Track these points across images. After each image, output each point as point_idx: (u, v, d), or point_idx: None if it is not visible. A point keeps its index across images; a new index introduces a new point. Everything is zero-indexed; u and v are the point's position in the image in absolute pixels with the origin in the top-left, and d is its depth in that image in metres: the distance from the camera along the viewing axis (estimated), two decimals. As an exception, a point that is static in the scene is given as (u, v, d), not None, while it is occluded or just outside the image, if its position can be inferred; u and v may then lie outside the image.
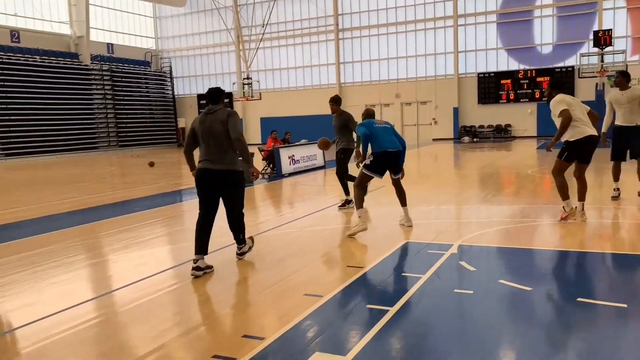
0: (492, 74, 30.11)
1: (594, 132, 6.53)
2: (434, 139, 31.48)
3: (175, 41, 39.35)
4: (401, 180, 6.94)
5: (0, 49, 28.17)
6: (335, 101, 8.72)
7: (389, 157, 6.65)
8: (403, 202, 6.92)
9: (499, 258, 5.57)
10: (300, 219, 8.00)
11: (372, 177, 6.74)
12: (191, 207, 9.80)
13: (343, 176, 8.62)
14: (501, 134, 30.10)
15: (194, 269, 5.03)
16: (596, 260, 5.37)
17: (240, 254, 5.58)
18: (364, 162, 6.69)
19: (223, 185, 5.22)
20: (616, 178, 8.22)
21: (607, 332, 3.57)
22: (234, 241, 5.60)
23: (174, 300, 4.59)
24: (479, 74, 30.52)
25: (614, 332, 3.58)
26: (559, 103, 6.43)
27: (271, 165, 14.98)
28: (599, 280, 4.84)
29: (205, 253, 5.21)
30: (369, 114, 7.21)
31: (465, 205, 8.86)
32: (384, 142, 6.63)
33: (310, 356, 3.27)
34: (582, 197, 6.79)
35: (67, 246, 6.88)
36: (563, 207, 6.66)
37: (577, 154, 6.58)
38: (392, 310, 3.97)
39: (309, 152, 15.97)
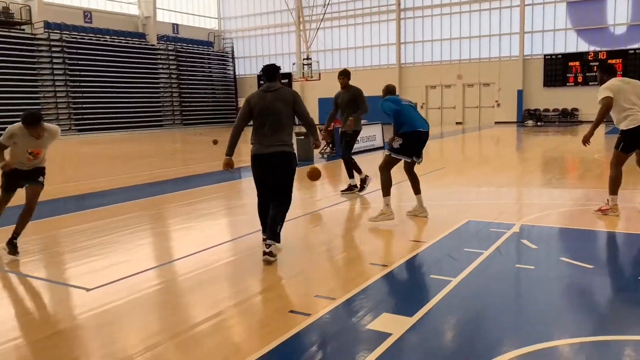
0: (560, 56, 29.06)
1: None
2: (496, 122, 30.82)
3: (237, 21, 40.04)
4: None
5: (73, 28, 29.61)
6: (346, 75, 8.29)
7: (420, 138, 6.16)
8: (417, 190, 6.42)
9: (560, 238, 5.63)
10: (363, 196, 8.24)
11: (400, 160, 6.22)
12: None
13: (350, 159, 8.27)
14: (567, 119, 29.11)
15: (266, 253, 4.74)
16: (663, 244, 5.35)
17: (270, 254, 4.76)
18: (391, 146, 6.16)
19: (275, 167, 4.94)
20: None
21: (670, 309, 3.65)
22: (264, 236, 5.02)
23: (249, 264, 4.96)
24: (545, 55, 29.53)
25: (677, 309, 3.66)
26: (604, 90, 6.11)
27: (330, 145, 15.25)
28: (664, 262, 4.85)
29: None
30: (389, 90, 6.64)
31: (528, 188, 8.84)
32: (415, 121, 6.14)
33: (379, 315, 3.54)
34: None
35: (146, 214, 7.43)
36: (607, 199, 6.24)
37: (635, 143, 6.16)
38: (455, 280, 4.17)
39: (368, 133, 16.12)
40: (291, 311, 3.71)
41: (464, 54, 31.97)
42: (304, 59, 32.42)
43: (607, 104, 6.02)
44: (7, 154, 5.18)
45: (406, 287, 4.13)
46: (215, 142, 20.06)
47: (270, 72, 5.06)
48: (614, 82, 6.15)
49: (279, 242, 4.96)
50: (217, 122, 37.62)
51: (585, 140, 6.29)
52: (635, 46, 27.32)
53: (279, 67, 5.24)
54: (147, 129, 32.35)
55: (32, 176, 5.27)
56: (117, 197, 8.86)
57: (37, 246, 5.72)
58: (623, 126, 6.12)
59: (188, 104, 36.02)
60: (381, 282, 4.22)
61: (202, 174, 11.71)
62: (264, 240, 4.90)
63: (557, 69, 29.23)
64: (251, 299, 4.03)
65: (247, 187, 10.36)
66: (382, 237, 5.76)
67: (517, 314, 3.62)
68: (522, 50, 30.18)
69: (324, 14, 33.03)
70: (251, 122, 5.11)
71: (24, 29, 27.48)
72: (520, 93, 30.41)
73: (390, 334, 3.26)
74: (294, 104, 4.98)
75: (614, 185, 6.20)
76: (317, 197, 8.63)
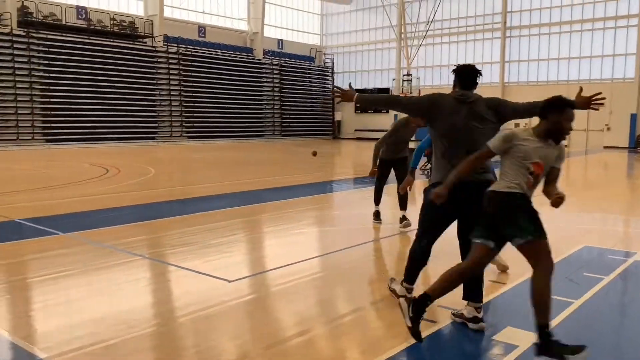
0: (681, 79, 27.11)
1: None
2: (605, 147, 29.24)
3: (338, 37, 41.01)
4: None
5: (189, 42, 31.77)
6: None
7: None
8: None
9: (688, 270, 5.46)
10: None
11: None
12: (362, 193, 10.60)
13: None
14: (686, 146, 27.06)
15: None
16: None
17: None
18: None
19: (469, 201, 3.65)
20: None
21: None
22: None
23: (366, 271, 5.28)
24: (665, 75, 27.70)
25: None
26: None
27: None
28: None
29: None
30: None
31: (646, 217, 8.50)
32: None
33: (503, 329, 3.72)
34: None
35: (266, 217, 8.01)
36: None
37: None
38: (577, 302, 4.24)
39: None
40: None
41: (572, 74, 30.68)
42: (404, 75, 32.62)
43: None
44: None
45: (527, 305, 4.25)
46: (314, 153, 20.74)
47: (469, 76, 3.96)
48: None
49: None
50: (314, 134, 38.66)
51: None
52: None
53: (479, 70, 4.05)
54: (249, 139, 33.89)
55: None
56: (233, 200, 9.55)
57: (176, 240, 6.39)
58: None
59: (288, 116, 37.33)
60: (502, 299, 4.38)
61: (312, 183, 12.25)
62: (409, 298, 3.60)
63: (677, 93, 27.28)
64: (375, 304, 4.33)
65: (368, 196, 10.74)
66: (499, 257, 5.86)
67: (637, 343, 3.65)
68: (638, 73, 28.49)
69: (427, 30, 33.08)
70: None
71: (145, 42, 29.90)
72: (634, 117, 28.66)
73: (516, 346, 3.44)
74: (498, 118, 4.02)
75: None
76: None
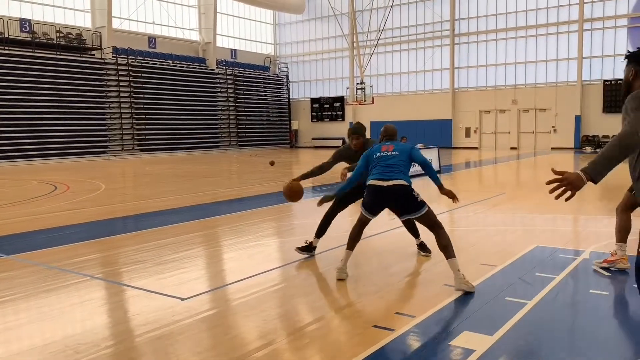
0: (620, 82, 28.34)
1: None
2: (552, 148, 30.28)
3: (292, 47, 41.12)
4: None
5: (139, 53, 31.19)
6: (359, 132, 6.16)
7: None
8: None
9: (632, 265, 5.65)
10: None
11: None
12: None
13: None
14: (628, 145, 28.26)
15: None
16: None
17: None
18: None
19: None
20: None
21: None
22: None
23: (325, 282, 5.24)
24: (605, 81, 28.94)
25: None
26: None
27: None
28: None
29: None
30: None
31: (593, 215, 8.80)
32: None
33: (460, 333, 3.74)
34: None
35: (222, 230, 7.86)
36: (615, 250, 5.35)
37: None
38: (531, 303, 4.32)
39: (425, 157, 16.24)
40: (375, 326, 3.95)
41: (519, 79, 31.71)
42: (357, 84, 32.96)
43: None
44: None
45: (483, 308, 4.29)
46: (272, 163, 20.61)
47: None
48: None
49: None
50: (271, 144, 38.56)
51: None
52: (702, 72, 26.40)
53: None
54: (205, 150, 33.47)
55: None
56: (190, 214, 9.36)
57: (128, 258, 6.19)
58: None
59: (244, 126, 37.09)
60: (457, 303, 4.41)
61: (268, 194, 12.15)
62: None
63: (617, 95, 28.52)
64: (335, 313, 4.30)
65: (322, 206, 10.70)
66: (489, 242, 5.92)
67: (595, 338, 3.74)
68: (580, 76, 29.68)
69: (378, 39, 33.55)
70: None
71: (94, 54, 29.16)
72: (578, 119, 29.82)
73: (473, 350, 3.46)
74: None
75: (622, 233, 5.30)
76: (392, 216, 8.84)
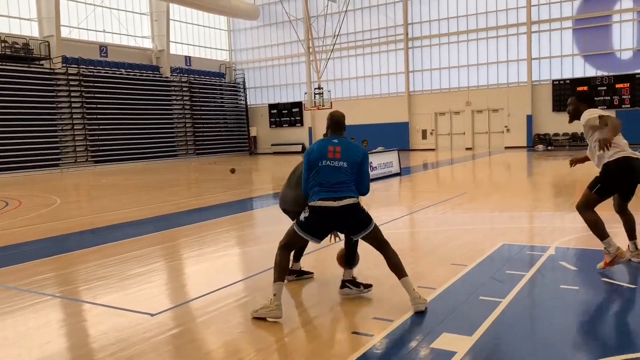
0: (568, 81, 29.44)
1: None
2: (506, 147, 31.08)
3: (248, 53, 40.85)
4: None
5: (90, 63, 30.33)
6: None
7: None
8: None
9: (597, 259, 5.80)
10: (393, 221, 8.44)
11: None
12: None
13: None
14: (577, 142, 29.33)
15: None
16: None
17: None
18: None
19: None
20: None
21: None
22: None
23: (299, 289, 5.15)
24: (553, 81, 29.93)
25: None
26: (597, 113, 4.98)
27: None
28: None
29: None
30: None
31: (554, 211, 9.02)
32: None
33: (439, 335, 3.72)
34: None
35: (195, 240, 7.66)
36: (605, 248, 5.08)
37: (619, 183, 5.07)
38: (505, 301, 4.35)
39: (385, 160, 16.39)
40: (354, 332, 3.90)
41: (472, 81, 32.43)
42: (315, 89, 33.00)
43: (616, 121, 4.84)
44: None
45: (459, 309, 4.30)
46: (232, 171, 20.39)
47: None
48: (599, 110, 5.16)
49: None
50: (229, 151, 38.14)
51: (605, 145, 4.71)
52: (642, 70, 27.70)
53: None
54: (162, 159, 32.80)
55: None
56: (159, 224, 9.09)
57: (90, 274, 5.93)
58: (607, 157, 4.98)
59: (201, 134, 36.57)
60: (433, 304, 4.40)
61: (233, 201, 11.96)
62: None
63: (565, 94, 29.53)
64: (312, 321, 4.21)
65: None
66: (423, 262, 5.94)
67: (570, 333, 3.79)
68: (530, 77, 30.60)
69: (334, 44, 33.72)
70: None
71: (42, 64, 28.17)
72: (529, 118, 30.72)
73: (455, 352, 3.44)
74: None
75: (599, 228, 5.09)
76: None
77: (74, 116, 28.76)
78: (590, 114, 5.00)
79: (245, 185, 16.14)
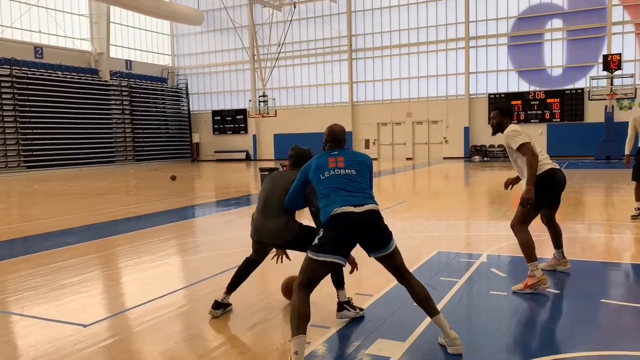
0: (503, 95, 30.75)
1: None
2: (444, 158, 32.06)
3: (191, 58, 40.31)
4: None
5: (24, 64, 29.07)
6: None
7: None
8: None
9: (525, 266, 6.10)
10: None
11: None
12: (224, 216, 10.38)
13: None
14: (511, 154, 30.60)
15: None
16: (619, 268, 5.89)
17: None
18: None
19: None
20: (638, 198, 8.65)
21: (634, 330, 4.11)
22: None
23: (238, 298, 5.14)
24: (489, 94, 31.18)
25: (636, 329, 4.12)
26: (518, 134, 5.03)
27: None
28: (622, 284, 5.36)
29: None
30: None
31: (487, 220, 9.40)
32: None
33: (374, 342, 3.82)
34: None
35: (132, 249, 7.47)
36: (532, 271, 5.04)
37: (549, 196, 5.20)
38: (438, 307, 4.50)
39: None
40: (291, 340, 3.93)
41: (412, 93, 33.31)
42: (259, 96, 32.96)
43: (533, 150, 4.96)
44: None
45: (394, 315, 4.42)
46: (173, 178, 20.03)
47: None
48: (521, 127, 5.23)
49: None
50: (170, 158, 37.40)
51: (526, 203, 4.96)
52: (571, 86, 29.31)
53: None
54: (100, 165, 31.77)
55: None
56: (95, 232, 8.81)
57: (20, 284, 5.69)
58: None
59: (141, 140, 35.69)
60: (369, 311, 4.50)
61: (170, 210, 11.74)
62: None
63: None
64: (248, 331, 4.22)
65: (231, 218, 10.48)
66: (362, 269, 6.04)
67: (500, 334, 3.98)
68: (468, 90, 31.76)
69: (279, 53, 33.82)
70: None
71: (-29, 64, 26.79)
72: (467, 130, 31.84)
73: (388, 358, 3.54)
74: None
75: (530, 250, 5.10)
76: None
77: (5, 119, 27.46)
78: (514, 132, 5.05)
79: (186, 193, 15.88)
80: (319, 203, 3.86)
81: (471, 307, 4.69)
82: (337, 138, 4.21)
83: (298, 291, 3.62)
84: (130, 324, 4.42)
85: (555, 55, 29.87)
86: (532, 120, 29.87)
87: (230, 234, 8.50)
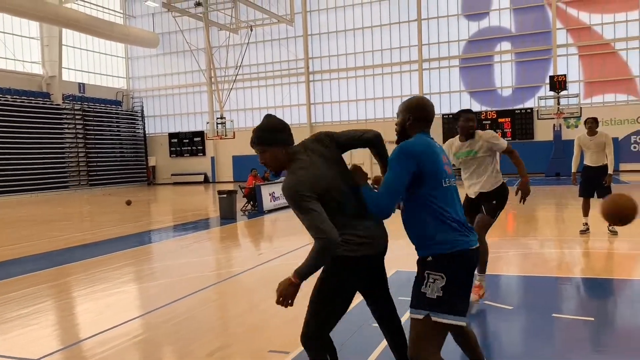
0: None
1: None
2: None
3: (147, 81, 39.86)
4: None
5: (-30, 88, 28.14)
6: None
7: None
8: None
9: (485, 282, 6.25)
10: (293, 252, 8.54)
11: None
12: (182, 241, 10.23)
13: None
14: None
15: None
16: (569, 282, 6.10)
17: None
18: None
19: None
20: (586, 213, 9.00)
21: (583, 342, 4.26)
22: None
23: (193, 326, 5.06)
24: (443, 115, 31.96)
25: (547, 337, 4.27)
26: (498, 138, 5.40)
27: (252, 202, 15.50)
28: (573, 298, 5.55)
29: None
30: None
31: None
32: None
33: (334, 364, 3.82)
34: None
35: (86, 277, 7.25)
36: (481, 282, 5.25)
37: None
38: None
39: (287, 190, 16.56)
40: (251, 366, 3.91)
41: (369, 114, 33.84)
42: (217, 118, 32.80)
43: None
44: None
45: (353, 337, 4.44)
46: (128, 202, 19.62)
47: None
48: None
49: None
50: (127, 182, 36.63)
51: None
52: (521, 106, 30.40)
53: None
54: (53, 191, 30.79)
55: None
56: (47, 261, 8.51)
57: (-36, 319, 5.45)
58: (499, 180, 5.36)
59: (95, 164, 34.87)
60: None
61: (129, 235, 11.48)
62: None
63: (454, 127, 31.55)
64: (207, 358, 4.16)
65: (189, 242, 10.31)
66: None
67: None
68: (423, 110, 32.43)
69: (236, 75, 33.86)
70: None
71: None
72: (423, 149, 32.43)
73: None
74: None
75: (485, 260, 5.26)
76: (260, 250, 8.79)
77: (-51, 145, 26.40)
78: (496, 135, 5.32)
79: (142, 218, 15.58)
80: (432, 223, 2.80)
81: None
82: (430, 118, 3.01)
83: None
84: (84, 355, 4.29)
85: (505, 76, 30.97)
86: (485, 139, 30.68)
87: (188, 259, 8.38)
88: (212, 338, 4.64)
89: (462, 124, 5.35)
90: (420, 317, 2.71)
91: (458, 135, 5.50)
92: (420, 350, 2.72)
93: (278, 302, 2.80)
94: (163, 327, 4.95)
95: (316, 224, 2.70)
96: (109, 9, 37.12)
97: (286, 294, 2.79)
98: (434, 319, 2.68)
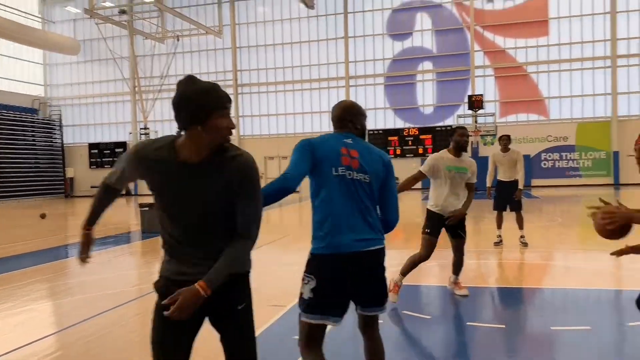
0: (381, 131, 32.46)
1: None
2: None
3: (66, 89, 38.14)
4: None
5: None
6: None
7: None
8: None
9: (407, 294, 6.44)
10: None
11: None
12: (101, 256, 9.84)
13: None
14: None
15: None
16: (484, 292, 6.42)
17: None
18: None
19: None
20: (499, 226, 9.52)
21: (497, 348, 4.49)
22: None
23: (113, 341, 4.89)
24: (368, 130, 32.72)
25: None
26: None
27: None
28: (487, 307, 5.84)
29: None
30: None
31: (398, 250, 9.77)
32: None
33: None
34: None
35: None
36: (397, 282, 5.90)
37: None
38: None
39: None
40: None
41: (298, 128, 34.11)
42: (141, 128, 31.89)
43: None
44: None
45: (280, 349, 4.45)
46: (43, 216, 18.63)
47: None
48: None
49: None
50: (41, 194, 34.71)
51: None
52: (441, 124, 31.72)
53: None
54: (-45, 204, 28.66)
55: None
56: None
57: None
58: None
59: (6, 175, 32.80)
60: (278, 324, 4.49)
61: (39, 250, 10.87)
62: None
63: (379, 143, 32.41)
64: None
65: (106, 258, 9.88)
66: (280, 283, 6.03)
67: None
68: (350, 126, 33.10)
69: (162, 85, 33.13)
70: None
71: None
72: (350, 164, 33.04)
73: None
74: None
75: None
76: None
77: None
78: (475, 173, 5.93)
79: (57, 232, 14.83)
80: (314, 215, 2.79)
81: (348, 335, 4.83)
82: (356, 118, 3.01)
83: (304, 354, 2.99)
84: (-11, 378, 4.03)
85: (426, 94, 32.26)
86: (407, 155, 31.75)
87: (106, 274, 8.06)
88: (128, 355, 4.50)
89: (458, 139, 5.69)
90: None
91: (446, 150, 5.79)
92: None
93: (173, 314, 2.20)
94: (77, 345, 4.75)
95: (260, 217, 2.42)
96: (25, 13, 35.30)
97: (188, 305, 2.22)
98: (302, 319, 2.91)
